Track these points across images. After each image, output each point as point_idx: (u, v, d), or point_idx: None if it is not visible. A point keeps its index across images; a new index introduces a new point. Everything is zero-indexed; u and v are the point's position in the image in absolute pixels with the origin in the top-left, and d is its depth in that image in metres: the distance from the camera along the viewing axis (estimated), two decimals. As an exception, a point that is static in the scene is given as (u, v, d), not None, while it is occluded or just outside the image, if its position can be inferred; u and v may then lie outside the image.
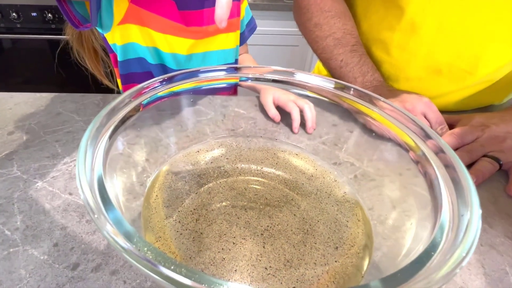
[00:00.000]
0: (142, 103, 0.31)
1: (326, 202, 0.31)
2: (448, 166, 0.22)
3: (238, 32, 0.64)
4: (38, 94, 0.54)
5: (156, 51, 0.58)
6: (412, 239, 0.22)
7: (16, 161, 0.38)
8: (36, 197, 0.33)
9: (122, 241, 0.13)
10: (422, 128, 0.26)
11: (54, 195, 0.34)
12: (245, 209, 0.27)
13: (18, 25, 1.39)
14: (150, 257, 0.13)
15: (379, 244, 0.26)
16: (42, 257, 0.27)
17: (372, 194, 0.32)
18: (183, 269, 0.12)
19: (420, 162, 0.25)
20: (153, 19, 0.55)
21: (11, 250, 0.28)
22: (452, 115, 0.46)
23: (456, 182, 0.20)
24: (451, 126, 0.44)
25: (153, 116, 0.38)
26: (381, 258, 0.24)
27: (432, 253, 0.15)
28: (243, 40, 0.69)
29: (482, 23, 0.44)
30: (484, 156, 0.38)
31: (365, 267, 0.23)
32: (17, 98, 0.52)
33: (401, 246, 0.24)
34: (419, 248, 0.19)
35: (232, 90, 0.41)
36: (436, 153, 0.24)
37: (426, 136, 0.25)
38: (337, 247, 0.25)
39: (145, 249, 0.13)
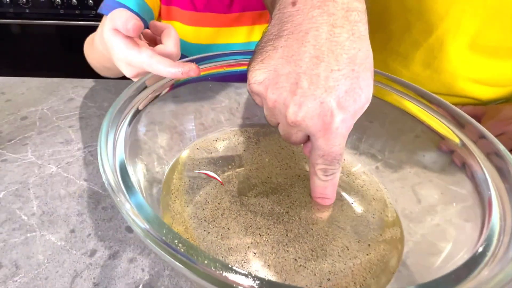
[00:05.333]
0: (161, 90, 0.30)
1: (348, 188, 0.29)
2: (491, 154, 0.20)
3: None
4: (49, 79, 0.53)
5: None
6: (445, 238, 0.21)
7: (30, 146, 0.38)
8: (51, 182, 0.33)
9: (154, 233, 0.12)
10: (455, 113, 0.24)
11: (69, 181, 0.33)
12: (267, 195, 0.27)
13: (27, 10, 1.38)
14: (182, 250, 0.12)
15: (405, 239, 0.25)
16: (59, 243, 0.27)
17: (395, 186, 0.31)
18: (217, 264, 0.11)
19: (456, 151, 0.24)
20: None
21: (29, 235, 0.27)
22: (478, 106, 0.44)
23: (502, 172, 0.19)
24: (476, 119, 0.42)
25: (167, 103, 0.37)
26: (407, 254, 0.23)
27: (480, 260, 0.14)
28: None
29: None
30: None
31: (396, 258, 0.22)
32: (29, 83, 0.51)
33: (430, 244, 0.23)
34: (460, 249, 0.18)
35: None
36: (475, 141, 0.22)
37: (462, 122, 0.24)
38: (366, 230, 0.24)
39: (176, 241, 0.12)
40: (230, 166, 0.31)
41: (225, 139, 0.36)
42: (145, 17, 0.49)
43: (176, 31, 0.31)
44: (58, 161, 0.36)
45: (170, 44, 0.29)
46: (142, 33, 0.31)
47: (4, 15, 1.38)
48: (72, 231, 0.28)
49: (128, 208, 0.13)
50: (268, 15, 0.58)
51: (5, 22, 1.40)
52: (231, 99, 0.44)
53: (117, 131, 0.19)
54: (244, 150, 0.34)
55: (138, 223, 0.13)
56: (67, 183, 0.33)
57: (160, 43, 0.30)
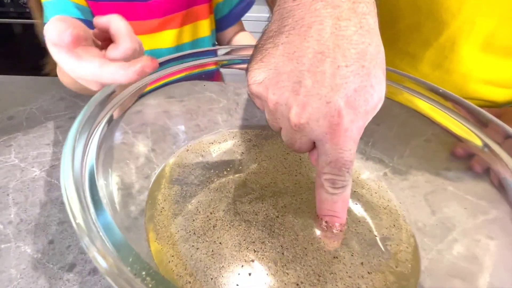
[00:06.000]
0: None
1: (352, 196, 0.27)
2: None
3: (207, 20, 0.56)
4: (41, 78, 0.51)
5: None
6: (466, 257, 0.18)
7: (14, 148, 0.36)
8: (33, 187, 0.30)
9: (118, 262, 0.10)
10: (476, 111, 0.22)
11: (52, 186, 0.31)
12: (262, 200, 0.24)
13: (28, 10, 1.36)
14: (150, 285, 0.09)
15: (420, 256, 0.22)
16: (35, 256, 0.24)
17: (406, 195, 0.28)
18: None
19: (478, 155, 0.21)
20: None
21: (3, 246, 0.25)
22: (492, 108, 0.41)
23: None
24: None
25: (161, 103, 0.35)
26: (423, 274, 0.21)
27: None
28: (234, 19, 0.60)
29: None
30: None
31: (413, 280, 0.19)
32: (20, 81, 0.49)
33: (449, 263, 0.20)
34: (487, 272, 0.15)
35: (215, 76, 0.36)
36: (501, 143, 0.20)
37: (483, 121, 0.21)
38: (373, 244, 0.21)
39: (144, 273, 0.10)
40: (225, 172, 0.29)
41: (221, 141, 0.33)
42: (88, 17, 0.44)
43: (123, 21, 0.25)
44: (42, 164, 0.33)
45: (121, 40, 0.24)
46: (94, 34, 0.26)
47: (6, 14, 1.37)
48: (51, 242, 0.26)
49: (85, 233, 0.11)
50: (196, 12, 0.54)
51: (6, 22, 1.39)
52: (229, 100, 0.42)
53: (91, 133, 0.17)
54: (243, 153, 0.32)
55: (96, 256, 0.10)
56: (50, 188, 0.30)
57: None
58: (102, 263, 0.10)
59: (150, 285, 0.09)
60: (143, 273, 0.10)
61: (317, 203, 0.21)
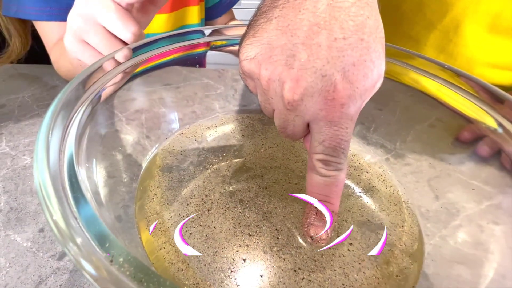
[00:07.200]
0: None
1: (352, 179, 0.26)
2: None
3: (197, 7, 0.53)
4: (34, 66, 0.50)
5: None
6: (469, 243, 0.18)
7: (5, 136, 0.35)
8: (23, 175, 0.30)
9: (89, 247, 0.09)
10: (489, 88, 0.20)
11: (43, 174, 0.30)
12: (261, 175, 0.23)
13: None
14: (128, 273, 0.08)
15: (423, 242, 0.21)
16: (25, 244, 0.24)
17: (409, 181, 0.27)
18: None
19: (489, 136, 0.20)
20: None
21: (-8, 235, 0.24)
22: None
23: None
24: None
25: (156, 90, 0.34)
26: (426, 260, 0.20)
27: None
28: (226, 7, 0.58)
29: None
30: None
31: (416, 266, 0.19)
32: (12, 69, 0.48)
33: (453, 249, 0.19)
34: (491, 259, 0.14)
35: (201, 61, 0.34)
36: None
37: (497, 99, 0.20)
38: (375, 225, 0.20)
39: (121, 260, 0.09)
40: (221, 158, 0.28)
41: (218, 125, 0.32)
42: None
43: None
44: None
45: None
46: None
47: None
48: (41, 230, 0.25)
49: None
50: None
51: None
52: (227, 86, 0.40)
53: (71, 118, 0.16)
54: (240, 137, 0.31)
55: (61, 226, 0.09)
56: (41, 177, 0.30)
57: None
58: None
59: (128, 273, 0.08)
60: (121, 259, 0.09)
61: (307, 187, 0.19)
